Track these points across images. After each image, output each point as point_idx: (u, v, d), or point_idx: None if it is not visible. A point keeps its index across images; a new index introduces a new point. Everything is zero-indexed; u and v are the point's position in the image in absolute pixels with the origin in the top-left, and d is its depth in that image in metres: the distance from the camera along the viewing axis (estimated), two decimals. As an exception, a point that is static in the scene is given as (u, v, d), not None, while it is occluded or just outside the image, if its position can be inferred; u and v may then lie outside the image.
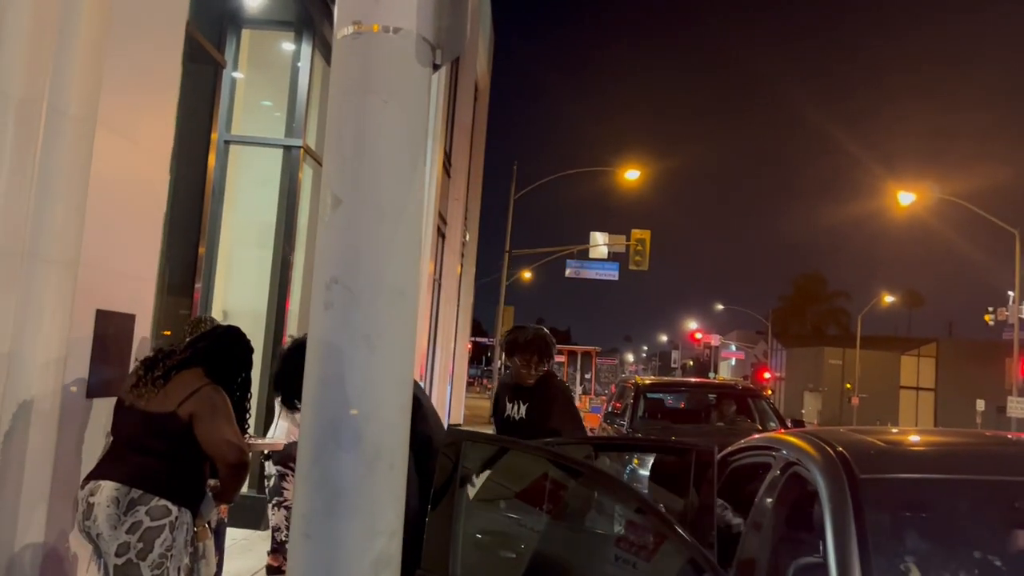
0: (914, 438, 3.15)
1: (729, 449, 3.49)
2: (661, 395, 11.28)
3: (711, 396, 10.73)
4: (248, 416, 3.59)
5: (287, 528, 5.62)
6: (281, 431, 5.52)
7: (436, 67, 1.98)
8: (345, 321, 1.80)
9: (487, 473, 2.52)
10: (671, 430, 9.04)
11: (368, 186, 1.83)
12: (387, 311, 1.83)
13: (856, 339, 52.54)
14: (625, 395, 10.36)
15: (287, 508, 5.64)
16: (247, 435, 3.58)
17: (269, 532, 6.29)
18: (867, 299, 55.46)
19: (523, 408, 4.27)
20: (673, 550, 2.20)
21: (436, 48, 1.96)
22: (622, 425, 9.47)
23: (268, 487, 5.70)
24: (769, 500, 2.71)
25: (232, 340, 3.56)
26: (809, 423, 56.88)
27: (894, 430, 3.54)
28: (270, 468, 5.61)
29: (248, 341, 3.63)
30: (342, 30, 1.92)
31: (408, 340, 1.89)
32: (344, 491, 1.76)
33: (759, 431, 9.63)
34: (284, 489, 5.55)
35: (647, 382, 10.57)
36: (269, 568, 5.78)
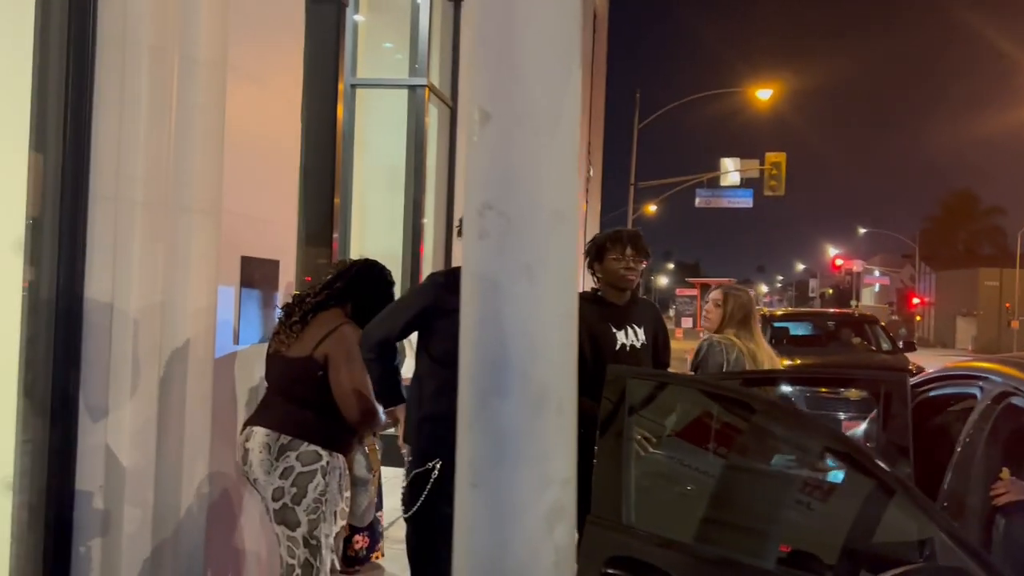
0: None
1: (914, 380, 3.14)
2: (786, 324, 12.95)
3: (831, 324, 12.96)
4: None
5: None
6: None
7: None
8: (502, 251, 1.62)
9: (653, 412, 2.32)
10: (796, 352, 10.63)
11: (520, 95, 1.62)
12: (547, 237, 1.63)
13: (1016, 258, 48.67)
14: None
15: None
16: None
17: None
18: (1028, 215, 51.02)
19: (640, 332, 3.51)
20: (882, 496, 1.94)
21: (586, -67, 1.70)
22: None
23: None
24: (978, 434, 2.38)
25: (368, 273, 3.42)
26: (962, 350, 53.62)
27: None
28: None
29: (385, 272, 3.48)
30: (480, -82, 1.68)
31: (570, 269, 1.69)
32: (511, 437, 1.60)
33: (873, 351, 11.83)
34: None
35: (777, 313, 13.38)
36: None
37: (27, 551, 2.90)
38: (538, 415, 1.61)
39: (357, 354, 3.19)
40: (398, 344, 3.23)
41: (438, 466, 2.93)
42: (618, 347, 3.40)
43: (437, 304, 3.07)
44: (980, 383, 2.52)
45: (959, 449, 2.41)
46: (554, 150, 1.63)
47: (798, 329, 13.02)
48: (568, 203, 1.67)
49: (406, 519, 3.07)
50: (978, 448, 2.33)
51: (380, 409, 3.28)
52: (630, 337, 3.44)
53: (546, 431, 1.62)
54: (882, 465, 2.03)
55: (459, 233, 3.07)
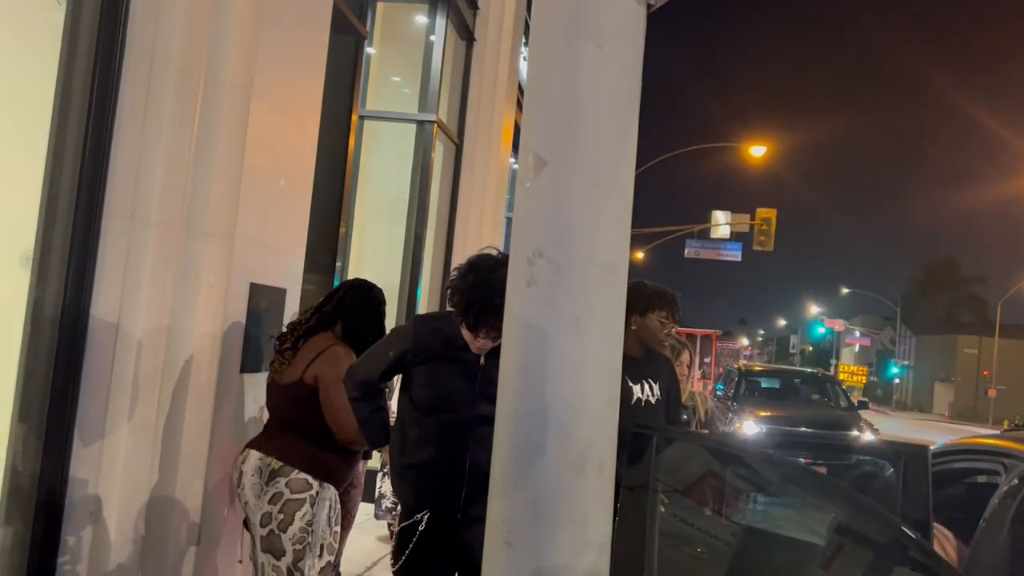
0: None
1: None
2: (758, 378, 15.17)
3: (796, 380, 15.05)
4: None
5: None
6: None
7: (650, 7, 1.71)
8: (551, 300, 1.57)
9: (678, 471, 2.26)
10: (765, 404, 12.66)
11: (578, 145, 1.58)
12: (597, 290, 1.59)
13: (995, 327, 49.18)
14: (731, 376, 14.96)
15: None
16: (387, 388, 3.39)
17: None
18: (1006, 287, 51.75)
19: (656, 388, 3.40)
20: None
21: (650, -14, 1.69)
22: (728, 400, 12.92)
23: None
24: (1003, 511, 2.33)
25: (355, 293, 3.34)
26: (939, 415, 53.93)
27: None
28: None
29: (374, 290, 3.38)
30: (546, -31, 1.66)
31: (618, 323, 1.64)
32: (550, 496, 1.54)
33: (831, 407, 13.27)
34: None
35: (755, 368, 16.54)
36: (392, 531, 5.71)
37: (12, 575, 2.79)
38: (579, 475, 1.55)
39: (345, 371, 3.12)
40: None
41: (425, 518, 2.81)
42: (634, 401, 3.28)
43: (418, 350, 2.83)
44: (1004, 460, 2.48)
45: (983, 525, 2.36)
46: (612, 203, 1.59)
47: (768, 383, 15.02)
48: (620, 257, 1.63)
49: (395, 572, 2.93)
50: (1004, 526, 2.29)
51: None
52: (646, 392, 3.34)
53: (586, 492, 1.56)
54: (915, 537, 1.98)
55: (458, 315, 2.87)
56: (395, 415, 3.18)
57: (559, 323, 1.57)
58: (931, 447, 2.66)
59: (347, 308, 3.29)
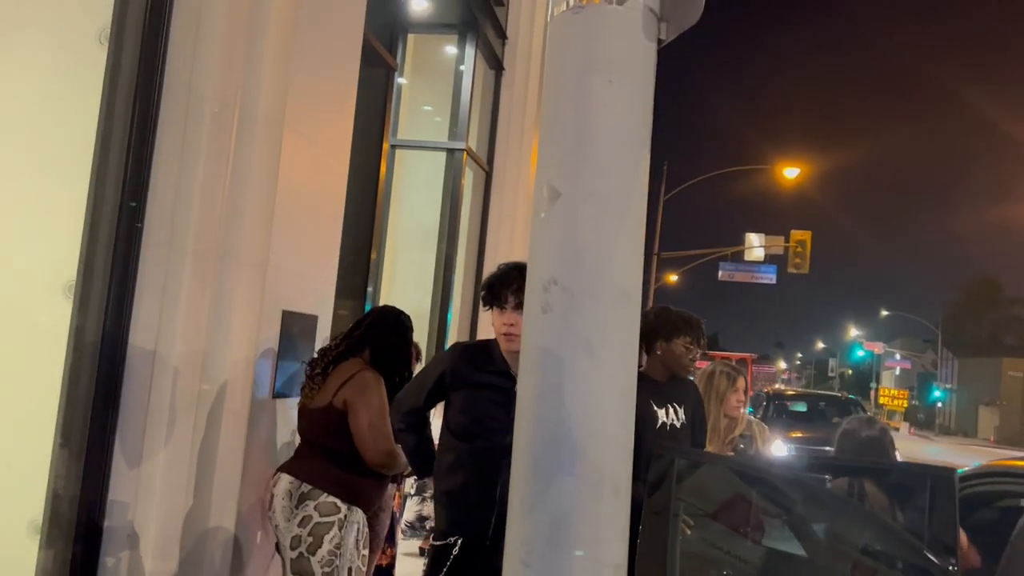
0: None
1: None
2: (786, 401, 16.61)
3: (821, 404, 16.39)
4: None
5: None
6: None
7: (661, 43, 1.77)
8: (565, 326, 1.62)
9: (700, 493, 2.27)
10: (792, 426, 13.90)
11: (591, 175, 1.64)
12: (611, 315, 1.63)
13: (1041, 349, 47.95)
14: (760, 399, 16.45)
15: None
16: None
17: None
18: (1053, 306, 50.42)
19: (680, 412, 3.42)
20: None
21: (661, 21, 1.74)
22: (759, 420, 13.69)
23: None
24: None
25: (384, 319, 3.42)
26: (984, 439, 52.56)
27: None
28: None
29: (402, 316, 3.46)
30: (559, 6, 1.73)
31: (631, 348, 1.69)
32: (566, 517, 1.58)
33: None
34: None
35: (788, 392, 18.58)
36: (421, 550, 5.77)
37: (50, 598, 2.87)
38: (595, 497, 1.59)
39: (376, 398, 3.17)
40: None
41: (459, 543, 2.85)
42: (659, 425, 3.30)
43: (455, 374, 2.93)
44: (1031, 484, 2.46)
45: (1010, 548, 2.34)
46: (624, 230, 1.65)
47: (795, 406, 16.32)
48: (633, 283, 1.68)
49: None
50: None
51: (400, 450, 3.26)
52: (671, 416, 3.35)
53: (601, 513, 1.60)
54: (939, 564, 1.97)
55: (484, 301, 3.02)
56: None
57: (573, 347, 1.62)
58: (959, 470, 2.65)
59: (375, 334, 3.37)
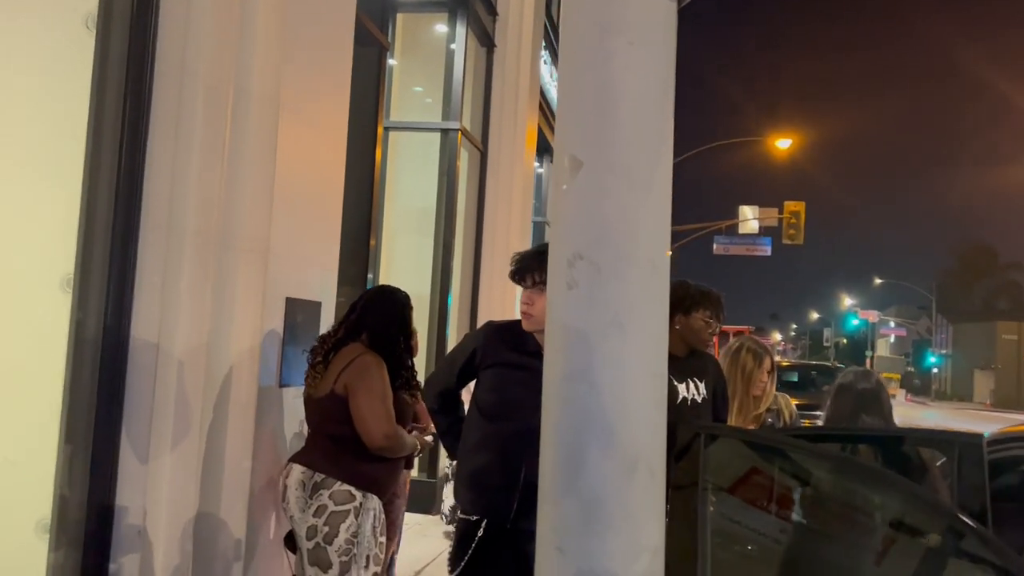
0: None
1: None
2: (780, 371, 16.71)
3: (812, 372, 17.62)
4: (414, 380, 3.37)
5: None
6: None
7: (680, 2, 1.69)
8: (592, 303, 1.55)
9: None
10: (788, 395, 14.26)
11: (614, 144, 1.56)
12: (640, 290, 1.56)
13: (1035, 313, 48.20)
14: None
15: None
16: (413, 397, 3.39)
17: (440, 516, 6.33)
18: (1046, 270, 50.60)
19: (701, 387, 3.36)
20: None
21: (680, -21, 1.67)
22: None
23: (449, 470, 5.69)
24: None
25: (378, 299, 3.33)
26: (980, 403, 52.89)
27: None
28: None
29: (397, 295, 3.36)
30: (573, -33, 1.65)
31: (662, 323, 1.62)
32: (601, 501, 1.52)
33: None
34: None
35: (783, 363, 18.65)
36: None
37: (62, 598, 2.81)
38: (629, 479, 1.53)
39: (376, 381, 3.10)
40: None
41: (483, 525, 2.80)
42: (679, 401, 3.24)
43: (486, 352, 2.88)
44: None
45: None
46: (650, 201, 1.57)
47: (788, 377, 17.05)
48: (660, 255, 1.61)
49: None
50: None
51: (403, 432, 3.21)
52: (691, 391, 3.30)
53: (636, 495, 1.53)
54: (972, 524, 1.92)
55: (510, 277, 2.95)
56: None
57: (601, 325, 1.55)
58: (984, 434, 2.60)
59: (371, 316, 3.27)
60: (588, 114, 1.58)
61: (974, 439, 2.49)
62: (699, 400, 3.33)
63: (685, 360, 3.37)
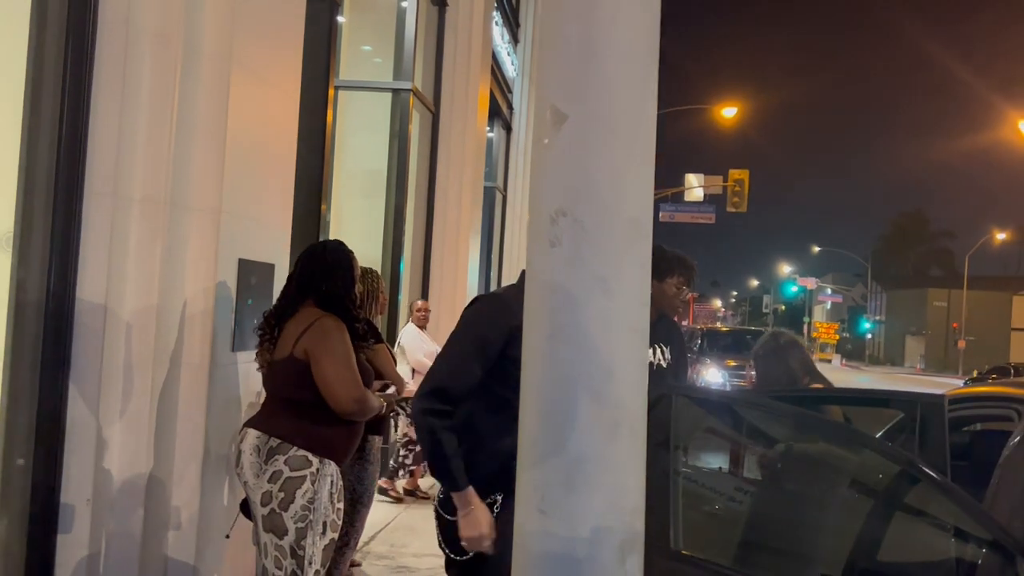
0: None
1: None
2: (718, 336, 20.49)
3: (748, 337, 18.69)
4: (366, 331, 3.27)
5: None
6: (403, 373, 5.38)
7: (666, -49, 1.63)
8: (576, 261, 1.51)
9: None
10: (724, 355, 16.98)
11: (598, 97, 1.52)
12: (623, 248, 1.53)
13: (963, 280, 50.01)
14: (695, 335, 19.95)
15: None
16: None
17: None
18: (974, 239, 52.53)
19: (667, 352, 3.33)
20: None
21: (665, -75, 1.61)
22: (693, 353, 16.36)
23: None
24: (1020, 454, 2.33)
25: (312, 263, 3.11)
26: (911, 367, 54.89)
27: None
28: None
29: (338, 249, 3.18)
30: (556, -89, 1.58)
31: (645, 282, 1.59)
32: (584, 461, 1.49)
33: None
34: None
35: (714, 328, 25.00)
36: (380, 489, 5.82)
37: (10, 567, 2.71)
38: (612, 439, 1.50)
39: (338, 344, 3.00)
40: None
41: (499, 500, 2.44)
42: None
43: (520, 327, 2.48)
44: (1016, 407, 2.48)
45: (999, 471, 2.36)
46: (634, 154, 1.53)
47: (726, 340, 19.49)
48: (645, 212, 1.57)
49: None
50: (1021, 470, 2.29)
51: (370, 394, 3.12)
52: (658, 356, 3.27)
53: (619, 456, 1.51)
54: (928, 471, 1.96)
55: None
56: None
57: (585, 284, 1.51)
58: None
59: (309, 280, 3.12)
60: (571, 64, 1.53)
61: (936, 399, 2.55)
62: (664, 365, 3.31)
63: (653, 325, 3.35)
